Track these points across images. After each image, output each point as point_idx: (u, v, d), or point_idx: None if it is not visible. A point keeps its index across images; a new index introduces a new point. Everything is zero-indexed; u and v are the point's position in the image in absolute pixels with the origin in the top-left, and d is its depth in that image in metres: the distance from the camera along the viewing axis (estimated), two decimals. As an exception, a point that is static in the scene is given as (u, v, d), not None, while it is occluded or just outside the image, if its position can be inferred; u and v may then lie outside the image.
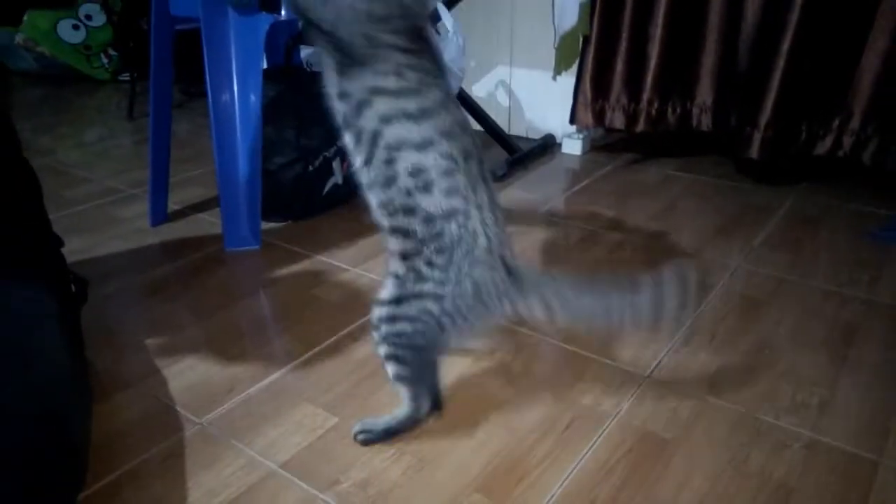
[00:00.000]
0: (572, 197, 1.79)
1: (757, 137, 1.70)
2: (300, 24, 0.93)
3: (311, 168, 1.58)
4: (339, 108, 0.83)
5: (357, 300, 1.27)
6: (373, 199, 0.85)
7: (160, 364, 1.09)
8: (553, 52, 1.88)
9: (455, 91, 1.95)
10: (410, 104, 0.80)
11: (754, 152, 1.71)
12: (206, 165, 1.95)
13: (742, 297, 1.26)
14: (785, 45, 1.61)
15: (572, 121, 1.99)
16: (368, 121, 0.81)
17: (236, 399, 1.01)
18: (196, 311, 1.24)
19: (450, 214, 0.81)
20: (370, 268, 1.40)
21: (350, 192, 1.73)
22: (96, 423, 0.91)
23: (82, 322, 1.08)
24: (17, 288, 0.89)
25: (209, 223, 1.62)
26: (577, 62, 1.90)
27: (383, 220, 0.85)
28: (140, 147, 2.25)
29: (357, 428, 0.93)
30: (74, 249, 1.08)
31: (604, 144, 2.17)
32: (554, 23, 1.75)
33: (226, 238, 1.48)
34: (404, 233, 0.83)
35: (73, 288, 1.06)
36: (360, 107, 0.81)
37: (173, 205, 1.70)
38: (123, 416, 0.98)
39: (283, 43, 1.70)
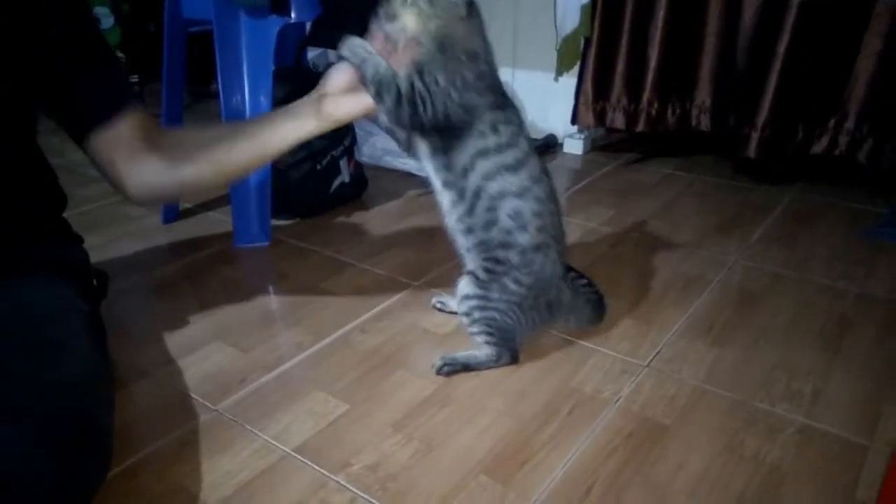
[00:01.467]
0: (574, 195, 1.82)
1: (754, 137, 1.73)
2: (394, 135, 1.03)
3: (319, 167, 1.62)
4: (438, 177, 0.98)
5: (364, 294, 1.31)
6: (470, 239, 1.00)
7: (175, 355, 1.13)
8: (555, 53, 1.92)
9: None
10: (508, 157, 0.95)
11: (752, 152, 1.75)
12: (215, 165, 1.99)
13: (739, 291, 1.30)
14: (781, 47, 1.64)
15: (574, 121, 2.03)
16: (473, 181, 0.95)
17: (249, 388, 1.04)
18: (208, 304, 1.28)
19: (539, 247, 0.98)
20: (376, 263, 1.43)
21: (356, 191, 1.77)
22: (115, 411, 0.94)
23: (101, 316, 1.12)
24: (44, 286, 0.92)
25: (220, 221, 1.66)
26: (578, 64, 1.94)
27: (477, 257, 1.01)
28: (149, 148, 2.28)
29: (439, 363, 1.06)
30: (89, 246, 1.11)
31: (605, 144, 2.20)
32: (556, 25, 1.79)
33: (236, 235, 1.51)
34: (496, 261, 0.99)
35: (94, 282, 1.09)
36: (465, 172, 0.95)
37: (184, 203, 1.74)
38: (141, 404, 1.01)
39: (293, 45, 1.74)
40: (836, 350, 1.11)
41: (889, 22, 1.56)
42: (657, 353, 1.11)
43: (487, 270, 1.00)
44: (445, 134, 0.93)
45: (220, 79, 1.41)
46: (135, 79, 3.11)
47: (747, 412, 0.97)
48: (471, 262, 1.03)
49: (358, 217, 1.69)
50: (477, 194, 0.95)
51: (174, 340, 1.17)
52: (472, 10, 0.92)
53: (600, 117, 1.97)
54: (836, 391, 1.01)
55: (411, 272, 1.39)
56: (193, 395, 1.02)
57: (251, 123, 0.99)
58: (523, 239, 0.97)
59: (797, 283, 1.33)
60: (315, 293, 1.32)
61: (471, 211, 0.97)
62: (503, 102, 0.95)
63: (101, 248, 1.50)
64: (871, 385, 1.02)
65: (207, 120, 2.54)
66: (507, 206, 0.96)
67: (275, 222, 1.58)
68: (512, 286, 1.00)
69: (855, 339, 1.14)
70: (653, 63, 1.85)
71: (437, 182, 0.98)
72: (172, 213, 1.67)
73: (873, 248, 1.45)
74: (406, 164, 1.93)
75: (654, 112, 1.90)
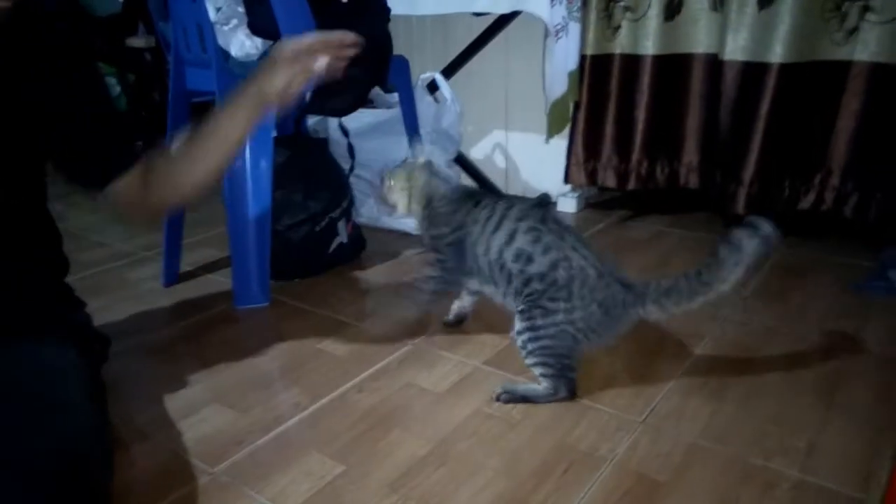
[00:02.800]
0: (568, 253, 1.85)
1: (742, 193, 1.78)
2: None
3: (317, 228, 1.66)
4: (481, 286, 1.23)
5: (361, 353, 1.32)
6: (506, 295, 1.17)
7: (174, 417, 1.14)
8: (545, 116, 1.99)
9: (453, 155, 2.05)
10: (489, 226, 1.16)
11: (740, 208, 1.79)
12: (216, 228, 2.03)
13: (733, 346, 1.32)
14: (764, 107, 1.71)
15: (566, 180, 2.09)
16: (483, 265, 1.18)
17: (247, 449, 1.05)
18: (208, 366, 1.29)
19: (554, 265, 1.09)
20: (374, 323, 1.45)
21: (354, 252, 1.80)
22: (115, 473, 0.95)
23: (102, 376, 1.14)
24: (46, 347, 0.94)
25: (219, 282, 1.69)
26: (567, 126, 2.00)
27: (515, 301, 1.14)
28: (152, 211, 2.33)
29: (499, 389, 1.15)
30: (90, 310, 1.14)
31: (597, 202, 2.25)
32: (544, 90, 1.86)
33: (236, 296, 1.54)
34: (528, 295, 1.11)
35: (96, 346, 1.11)
36: (480, 266, 1.19)
37: (185, 266, 1.77)
38: (140, 467, 1.02)
39: (293, 113, 1.80)
40: (828, 404, 1.12)
41: (865, 81, 1.63)
42: (652, 410, 1.12)
43: (527, 304, 1.11)
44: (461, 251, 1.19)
45: (222, 146, 1.46)
46: (138, 144, 3.20)
47: (742, 468, 0.97)
48: (514, 306, 1.15)
49: (356, 277, 1.72)
50: (490, 268, 1.16)
51: (173, 402, 1.18)
52: (429, 166, 1.28)
53: (591, 176, 2.03)
54: (830, 445, 1.02)
55: (408, 331, 1.40)
56: (192, 458, 1.03)
57: (204, 136, 1.03)
58: (535, 268, 1.10)
59: (789, 337, 1.34)
60: (313, 353, 1.34)
61: (495, 282, 1.17)
62: (472, 197, 1.22)
63: (103, 311, 1.52)
64: (864, 438, 1.03)
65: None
66: (508, 256, 1.12)
67: (274, 283, 1.60)
68: (551, 305, 1.08)
69: (847, 393, 1.15)
70: (640, 125, 1.92)
71: (482, 288, 1.24)
72: (173, 276, 1.70)
73: (863, 302, 1.48)
74: (404, 224, 1.97)
75: (643, 171, 1.96)
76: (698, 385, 1.18)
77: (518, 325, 1.12)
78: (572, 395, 1.13)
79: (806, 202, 1.78)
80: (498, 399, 1.14)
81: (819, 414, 1.09)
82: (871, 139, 1.66)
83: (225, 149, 1.02)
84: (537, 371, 1.12)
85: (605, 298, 1.09)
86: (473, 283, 1.25)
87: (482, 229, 1.16)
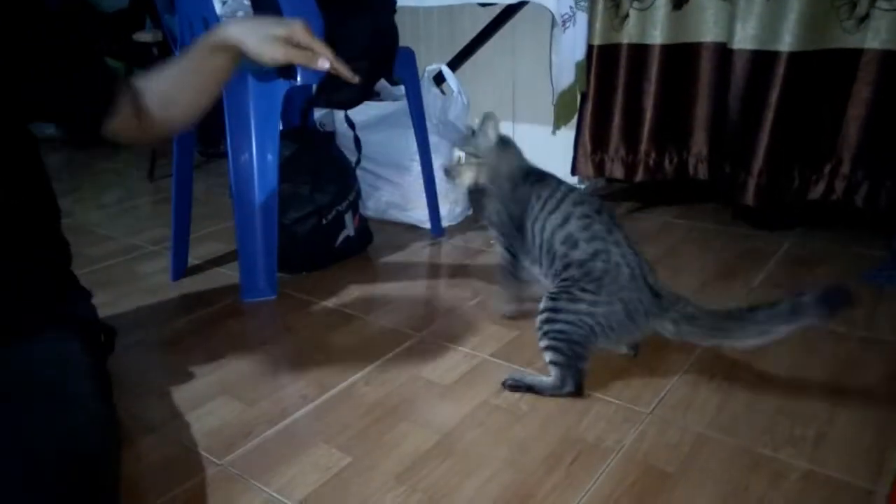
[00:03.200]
0: (576, 245, 1.84)
1: (751, 184, 1.76)
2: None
3: (324, 222, 1.66)
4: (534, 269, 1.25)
5: (368, 346, 1.32)
6: (542, 276, 1.22)
7: (182, 409, 1.14)
8: (552, 108, 1.98)
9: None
10: (549, 206, 1.19)
11: (749, 199, 1.77)
12: (224, 222, 2.04)
13: (741, 337, 1.30)
14: (773, 96, 1.69)
15: (574, 172, 2.07)
16: (536, 243, 1.21)
17: (255, 441, 1.05)
18: (215, 358, 1.30)
19: (594, 255, 1.11)
20: (381, 315, 1.45)
21: (361, 244, 1.80)
22: (123, 465, 0.95)
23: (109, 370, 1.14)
24: (53, 340, 0.95)
25: (227, 276, 1.69)
26: (575, 117, 1.99)
27: (552, 282, 1.17)
28: (160, 206, 2.34)
29: (508, 377, 1.16)
30: (98, 304, 1.14)
31: (605, 194, 2.24)
32: (552, 81, 1.85)
33: (243, 289, 1.54)
34: (563, 280, 1.13)
35: (102, 338, 1.12)
36: (535, 246, 1.22)
37: (193, 259, 1.78)
38: (148, 459, 1.02)
39: (299, 106, 1.80)
40: (839, 394, 1.11)
41: (876, 70, 1.61)
42: (660, 401, 1.11)
43: (559, 288, 1.13)
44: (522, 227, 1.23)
45: (228, 139, 1.47)
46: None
47: (750, 458, 0.97)
48: (546, 283, 1.20)
49: (363, 270, 1.72)
50: (540, 248, 1.19)
51: (181, 395, 1.18)
52: (505, 142, 1.30)
53: (599, 168, 2.01)
54: (840, 436, 1.01)
55: (415, 324, 1.40)
56: (199, 450, 1.03)
57: (182, 71, 1.05)
58: (577, 254, 1.13)
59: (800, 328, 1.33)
60: (320, 346, 1.34)
61: (540, 262, 1.21)
62: (538, 174, 1.26)
63: (111, 304, 1.53)
64: (873, 428, 1.02)
65: (217, 178, 2.60)
66: (558, 238, 1.15)
67: (281, 276, 1.61)
68: (580, 294, 1.10)
69: (857, 383, 1.14)
70: (648, 115, 1.90)
71: (531, 267, 1.26)
72: (181, 269, 1.71)
73: (874, 292, 1.46)
74: (410, 216, 1.97)
75: (651, 162, 1.94)
76: (706, 377, 1.17)
77: (542, 304, 1.13)
78: (579, 390, 1.11)
79: (816, 192, 1.76)
80: (504, 384, 1.15)
81: (828, 404, 1.08)
82: (882, 127, 1.64)
83: (205, 84, 1.05)
84: (548, 356, 1.11)
85: (630, 300, 1.08)
86: (525, 261, 1.28)
87: (542, 208, 1.19)
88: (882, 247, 1.63)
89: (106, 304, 1.52)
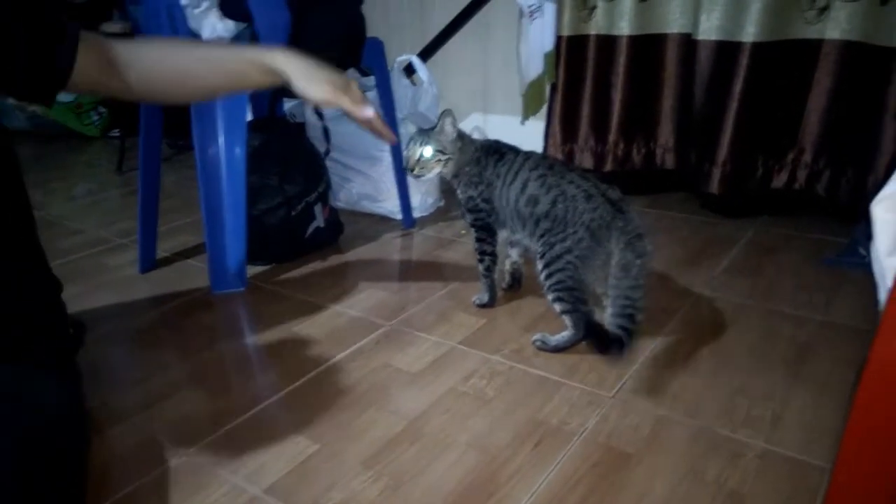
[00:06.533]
0: (546, 234, 1.86)
1: (716, 173, 1.80)
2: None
3: (293, 213, 1.66)
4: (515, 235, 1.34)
5: (338, 336, 1.33)
6: (527, 241, 1.29)
7: (151, 400, 1.14)
8: (521, 99, 1.99)
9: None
10: (508, 178, 1.28)
11: (714, 188, 1.81)
12: (193, 214, 2.02)
13: (704, 321, 1.34)
14: (737, 87, 1.72)
15: (544, 162, 2.09)
16: (504, 216, 1.32)
17: (222, 430, 1.05)
18: (184, 350, 1.30)
19: (554, 202, 1.20)
20: (351, 305, 1.46)
21: (331, 236, 1.81)
22: (93, 455, 0.95)
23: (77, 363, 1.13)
24: (18, 335, 0.94)
25: (197, 268, 1.68)
26: (544, 108, 2.01)
27: (534, 241, 1.26)
28: (129, 199, 2.32)
29: (536, 337, 1.25)
30: (67, 296, 1.13)
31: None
32: (520, 72, 1.86)
33: (212, 282, 1.54)
34: (539, 234, 1.23)
35: (71, 331, 1.11)
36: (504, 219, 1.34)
37: (163, 252, 1.77)
38: (116, 450, 1.02)
39: (268, 96, 1.80)
40: (795, 376, 1.14)
41: (836, 60, 1.65)
42: (622, 385, 1.13)
43: (541, 244, 1.22)
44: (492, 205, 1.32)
45: (194, 132, 1.46)
46: (115, 133, 3.17)
47: (709, 439, 0.99)
48: (535, 246, 1.26)
49: (333, 261, 1.72)
50: (512, 218, 1.29)
51: (150, 386, 1.18)
52: (461, 136, 1.34)
53: (569, 158, 2.04)
54: (796, 416, 1.04)
55: (385, 313, 1.41)
56: (168, 440, 1.03)
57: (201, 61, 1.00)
58: (541, 208, 1.22)
59: (760, 312, 1.36)
60: (290, 336, 1.34)
61: (517, 228, 1.30)
62: (496, 152, 1.32)
63: (80, 297, 1.52)
64: (829, 409, 1.05)
65: (186, 170, 2.58)
66: (521, 203, 1.25)
67: (251, 268, 1.60)
68: (554, 239, 1.19)
69: (815, 366, 1.17)
70: (616, 106, 1.93)
71: (515, 237, 1.35)
72: (149, 262, 1.70)
73: (835, 277, 1.50)
74: (382, 207, 1.98)
75: (620, 152, 1.97)
76: (668, 360, 1.20)
77: (538, 264, 1.23)
78: (588, 332, 1.18)
79: (779, 181, 1.80)
80: (534, 343, 1.24)
81: (786, 386, 1.11)
82: (843, 116, 1.68)
83: (222, 86, 1.03)
84: (557, 307, 1.20)
85: (592, 220, 1.16)
86: (507, 234, 1.36)
87: (503, 183, 1.28)
88: (843, 233, 1.67)
89: (75, 297, 1.51)
